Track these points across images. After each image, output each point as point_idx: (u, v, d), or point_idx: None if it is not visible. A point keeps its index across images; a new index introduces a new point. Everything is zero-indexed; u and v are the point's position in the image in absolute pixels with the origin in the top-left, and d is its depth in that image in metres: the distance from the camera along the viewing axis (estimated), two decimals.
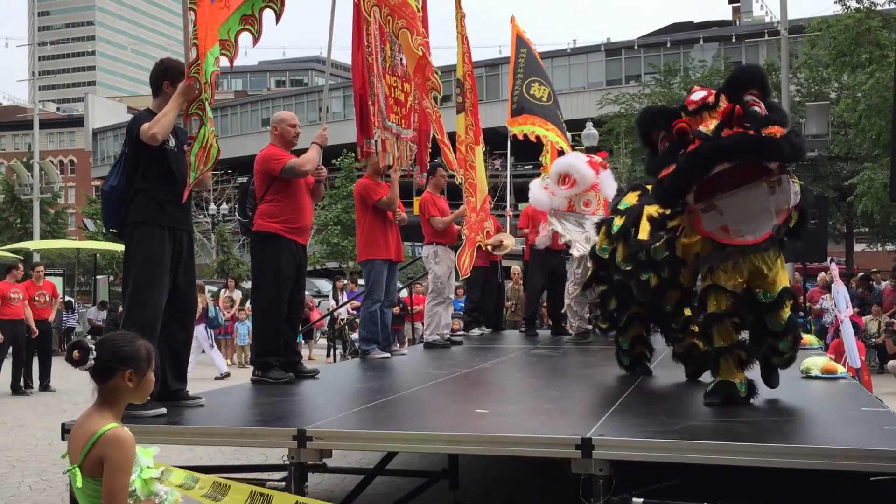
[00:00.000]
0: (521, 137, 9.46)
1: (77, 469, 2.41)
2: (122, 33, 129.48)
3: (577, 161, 8.20)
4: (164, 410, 4.20)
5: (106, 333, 2.56)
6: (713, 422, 3.89)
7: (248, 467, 5.15)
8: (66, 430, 4.03)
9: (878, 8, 15.89)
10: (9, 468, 6.70)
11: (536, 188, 8.32)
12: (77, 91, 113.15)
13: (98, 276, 27.72)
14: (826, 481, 3.46)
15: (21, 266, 13.20)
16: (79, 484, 2.40)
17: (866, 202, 15.91)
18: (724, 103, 3.92)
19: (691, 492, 3.43)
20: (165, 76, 4.52)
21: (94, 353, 2.45)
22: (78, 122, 68.63)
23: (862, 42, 15.57)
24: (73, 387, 12.72)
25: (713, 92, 4.02)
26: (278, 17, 4.84)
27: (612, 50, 42.18)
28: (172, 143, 4.46)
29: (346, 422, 4.03)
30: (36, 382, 12.47)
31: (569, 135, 10.18)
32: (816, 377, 5.15)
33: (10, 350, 12.08)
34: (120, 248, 24.34)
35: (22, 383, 12.16)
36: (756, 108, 3.86)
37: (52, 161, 38.07)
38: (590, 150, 10.15)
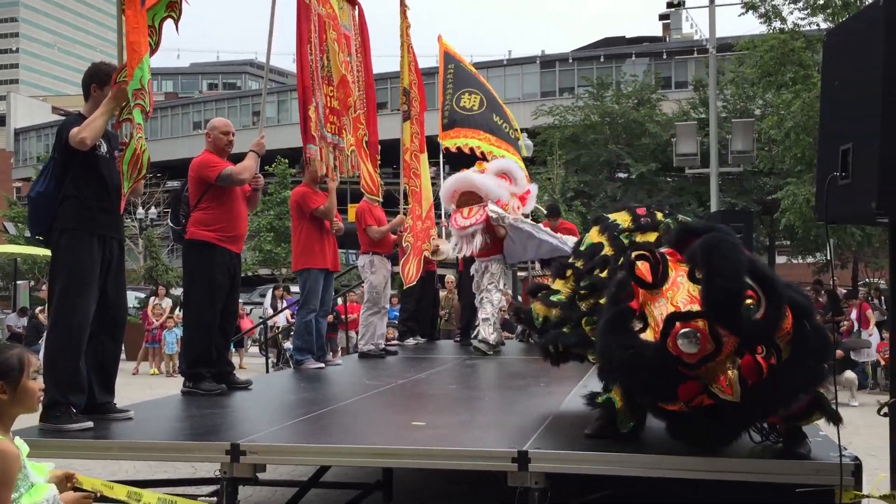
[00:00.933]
0: (454, 150, 9.55)
1: None
2: (49, 31, 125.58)
3: (515, 166, 8.40)
4: (90, 424, 4.08)
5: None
6: (647, 435, 3.95)
7: (175, 481, 5.02)
8: None
9: (802, 30, 16.51)
10: None
11: (486, 177, 8.28)
12: None
13: (18, 282, 26.76)
14: (759, 493, 3.55)
15: None
16: None
17: (790, 216, 16.48)
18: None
19: (626, 501, 3.49)
20: (93, 80, 4.41)
21: None
22: None
23: (786, 62, 16.18)
24: None
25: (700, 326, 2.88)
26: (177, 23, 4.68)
27: (547, 62, 42.81)
28: (104, 148, 4.34)
29: (280, 435, 3.97)
30: None
31: (515, 129, 10.24)
32: None
33: None
34: (42, 252, 23.51)
35: None
36: (749, 300, 2.93)
37: None
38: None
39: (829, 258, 20.05)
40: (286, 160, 34.06)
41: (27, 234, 34.53)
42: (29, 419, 4.64)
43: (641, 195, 27.94)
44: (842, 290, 17.13)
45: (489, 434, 3.97)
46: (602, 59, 40.73)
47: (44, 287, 26.37)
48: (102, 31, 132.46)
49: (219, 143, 5.58)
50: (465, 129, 9.51)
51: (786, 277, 3.31)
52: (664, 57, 39.46)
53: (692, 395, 2.94)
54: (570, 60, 41.88)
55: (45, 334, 5.07)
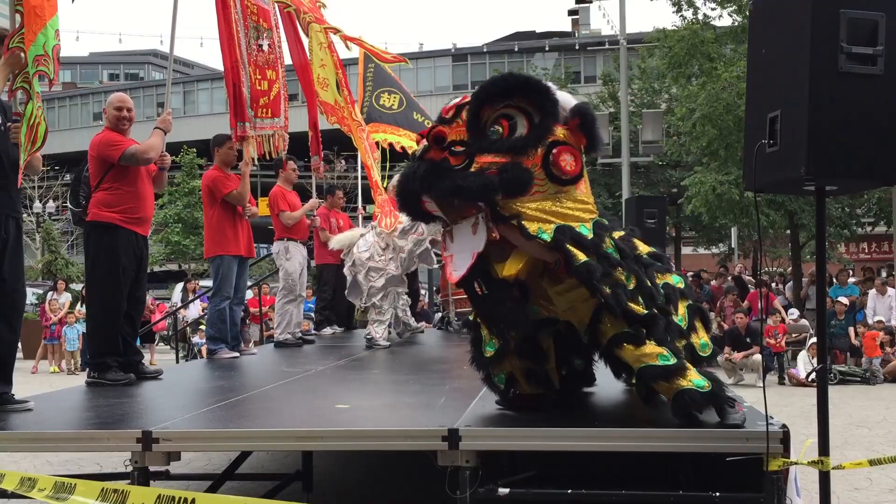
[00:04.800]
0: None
1: None
2: None
3: None
4: None
5: None
6: (576, 409, 3.91)
7: (80, 476, 4.72)
8: None
9: (713, 22, 16.96)
10: None
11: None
12: None
13: None
14: (690, 463, 3.55)
15: None
16: None
17: (696, 203, 16.92)
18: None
19: (555, 480, 3.43)
20: None
21: None
22: None
23: (695, 54, 16.58)
24: None
25: (462, 101, 3.35)
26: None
27: (459, 56, 42.92)
28: None
29: (195, 422, 3.76)
30: None
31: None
32: None
33: None
34: None
35: None
36: (497, 128, 3.25)
37: None
38: None
39: (757, 234, 20.45)
40: (194, 150, 33.09)
41: None
42: None
43: None
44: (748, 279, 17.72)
45: (416, 414, 3.86)
46: (515, 51, 41.03)
47: None
48: None
49: (113, 119, 5.25)
50: (384, 125, 9.52)
51: (690, 268, 3.45)
52: (577, 49, 40.07)
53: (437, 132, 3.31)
54: (484, 52, 42.08)
55: None
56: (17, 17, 3.95)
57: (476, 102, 3.25)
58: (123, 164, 5.11)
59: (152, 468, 3.46)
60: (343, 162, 35.78)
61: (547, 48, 40.56)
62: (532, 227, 3.23)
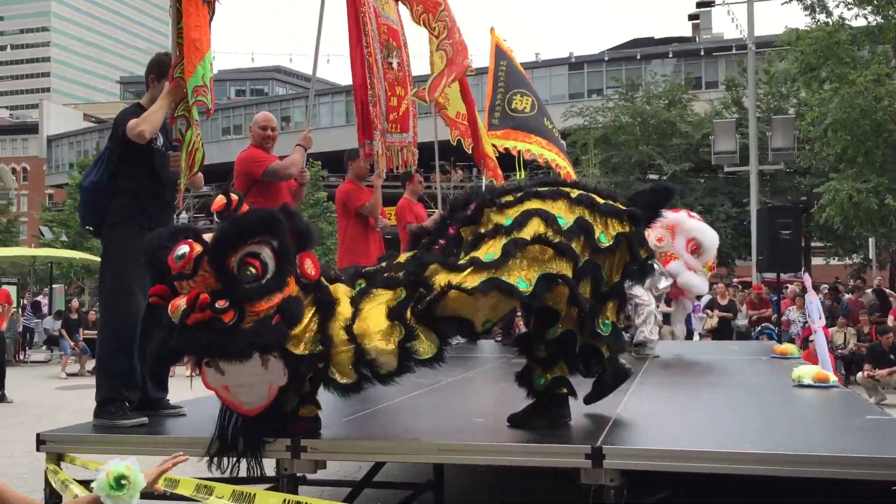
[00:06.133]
0: (501, 150, 9.27)
1: None
2: (78, 40, 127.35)
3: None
4: (145, 420, 4.03)
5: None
6: (713, 430, 3.80)
7: (232, 480, 4.93)
8: (41, 441, 3.82)
9: (848, 23, 16.16)
10: None
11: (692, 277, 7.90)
12: (30, 98, 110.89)
13: (54, 286, 27.01)
14: (849, 492, 3.39)
15: None
16: None
17: (830, 212, 16.12)
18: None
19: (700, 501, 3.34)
20: (151, 71, 4.37)
21: None
22: (32, 128, 67.17)
23: (829, 57, 15.83)
24: (29, 396, 12.31)
25: (194, 249, 3.16)
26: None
27: (576, 64, 42.53)
28: (160, 141, 4.28)
29: (338, 432, 3.86)
30: None
31: (559, 140, 9.98)
32: (808, 386, 5.11)
33: None
34: (77, 255, 23.78)
35: None
36: (251, 270, 3.16)
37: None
38: None
39: None
40: (318, 162, 34.20)
41: (63, 238, 34.90)
42: (84, 415, 4.59)
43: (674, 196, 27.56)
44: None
45: (555, 431, 3.83)
46: (637, 59, 40.20)
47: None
48: (130, 39, 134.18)
49: (258, 136, 5.51)
50: (515, 132, 9.20)
51: (822, 279, 3.26)
52: (699, 55, 39.00)
53: (156, 292, 3.23)
54: (604, 60, 41.46)
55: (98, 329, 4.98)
56: (178, 49, 4.17)
57: (218, 254, 3.15)
58: (266, 180, 5.33)
59: (301, 473, 3.57)
60: (460, 171, 36.05)
61: (670, 54, 39.52)
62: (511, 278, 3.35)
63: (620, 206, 3.71)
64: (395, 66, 7.01)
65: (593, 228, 3.55)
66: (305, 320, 3.32)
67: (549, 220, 3.48)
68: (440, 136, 8.95)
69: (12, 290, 17.72)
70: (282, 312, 3.19)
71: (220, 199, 3.29)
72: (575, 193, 3.66)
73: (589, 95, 39.67)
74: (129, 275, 4.12)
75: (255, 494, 3.13)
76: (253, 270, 3.15)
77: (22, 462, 6.71)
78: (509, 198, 3.64)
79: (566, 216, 3.53)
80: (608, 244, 3.57)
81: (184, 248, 3.15)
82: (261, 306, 3.16)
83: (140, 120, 4.10)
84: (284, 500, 3.02)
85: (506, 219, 3.52)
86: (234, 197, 3.31)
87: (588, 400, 4.04)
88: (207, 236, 3.25)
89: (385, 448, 3.57)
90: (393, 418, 4.39)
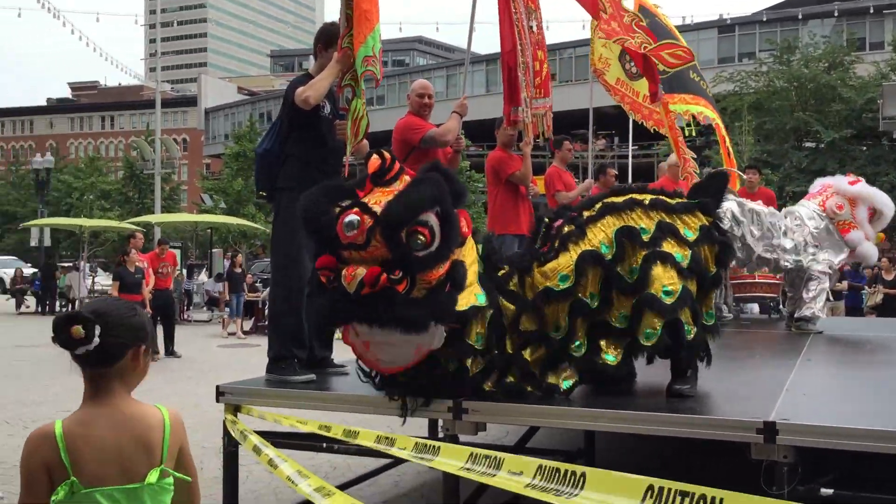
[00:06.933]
0: (674, 117, 8.83)
1: (158, 472, 1.97)
2: (232, 16, 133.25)
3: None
4: (313, 377, 4.21)
5: (94, 302, 2.08)
6: (887, 411, 3.58)
7: None
8: (220, 393, 4.05)
9: None
10: None
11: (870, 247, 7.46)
12: (188, 72, 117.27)
13: (214, 250, 28.64)
14: None
15: (140, 235, 13.80)
16: (168, 496, 2.00)
17: None
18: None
19: (887, 483, 3.16)
20: (320, 40, 4.51)
21: (99, 327, 1.90)
22: (191, 101, 70.99)
23: None
24: (194, 353, 13.16)
25: (364, 220, 3.14)
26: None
27: (726, 27, 40.61)
28: (327, 109, 4.41)
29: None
30: (161, 349, 12.89)
31: (706, 92, 9.42)
32: None
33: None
34: (236, 221, 25.21)
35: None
36: (419, 238, 3.13)
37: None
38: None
39: None
40: (463, 131, 34.35)
41: (222, 205, 36.84)
42: (255, 370, 4.84)
43: (832, 164, 26.04)
44: None
45: (723, 402, 3.73)
46: (800, 17, 37.87)
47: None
48: (281, 14, 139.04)
49: (415, 104, 5.60)
50: (683, 95, 8.64)
51: None
52: (863, 13, 36.34)
53: (325, 264, 3.21)
54: (757, 22, 39.33)
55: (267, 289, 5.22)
56: (346, 19, 4.28)
57: (393, 230, 3.13)
58: (423, 146, 5.41)
59: (463, 434, 3.63)
60: (603, 140, 35.39)
61: (836, 13, 36.87)
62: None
63: (691, 202, 3.83)
64: (534, 28, 6.91)
65: (676, 228, 3.67)
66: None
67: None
68: (592, 103, 8.76)
69: (177, 254, 18.91)
70: (451, 279, 3.25)
71: (375, 160, 3.35)
72: (648, 199, 3.75)
73: (740, 60, 37.85)
74: (299, 239, 4.30)
75: (439, 447, 3.19)
76: (422, 238, 3.14)
77: (210, 413, 7.14)
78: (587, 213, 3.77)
79: (647, 224, 3.65)
80: (694, 237, 3.68)
81: (353, 218, 3.14)
82: (432, 275, 3.18)
83: (306, 87, 4.24)
84: (471, 454, 3.05)
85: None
86: (388, 156, 3.37)
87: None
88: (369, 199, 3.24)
89: (538, 412, 3.57)
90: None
